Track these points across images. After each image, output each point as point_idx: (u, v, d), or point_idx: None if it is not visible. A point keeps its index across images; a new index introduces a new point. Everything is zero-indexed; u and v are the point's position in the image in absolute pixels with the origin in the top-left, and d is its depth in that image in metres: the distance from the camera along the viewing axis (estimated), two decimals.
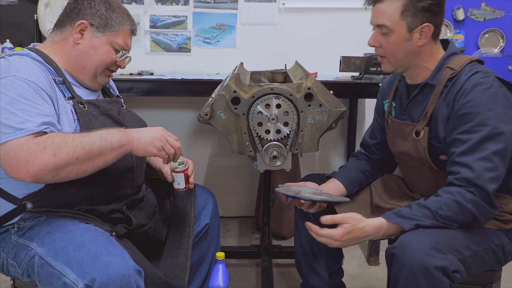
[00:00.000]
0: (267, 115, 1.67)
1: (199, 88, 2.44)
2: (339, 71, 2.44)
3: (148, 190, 1.68)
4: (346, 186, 1.84)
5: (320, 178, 1.91)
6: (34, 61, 1.43)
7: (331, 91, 1.72)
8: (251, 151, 1.73)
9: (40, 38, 2.79)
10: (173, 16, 2.88)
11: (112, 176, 1.46)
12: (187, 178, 1.70)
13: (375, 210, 1.80)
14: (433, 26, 1.56)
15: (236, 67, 2.08)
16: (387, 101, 1.81)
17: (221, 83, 1.96)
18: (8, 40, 2.57)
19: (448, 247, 1.39)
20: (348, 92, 2.04)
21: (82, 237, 1.32)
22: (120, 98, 1.70)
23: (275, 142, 1.71)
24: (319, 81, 1.72)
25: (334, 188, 1.83)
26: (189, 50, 2.92)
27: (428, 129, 1.59)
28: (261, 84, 1.70)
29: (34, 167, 1.24)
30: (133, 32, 1.58)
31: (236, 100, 1.66)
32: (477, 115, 1.46)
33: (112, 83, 1.74)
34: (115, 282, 1.22)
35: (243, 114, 1.66)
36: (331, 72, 2.52)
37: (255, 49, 2.93)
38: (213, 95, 1.72)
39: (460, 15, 2.89)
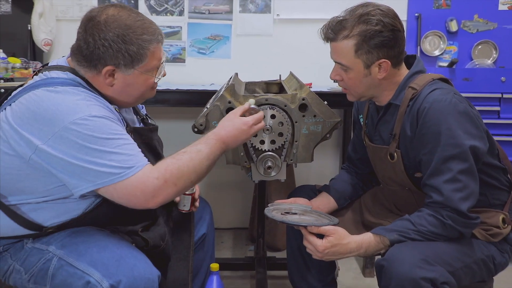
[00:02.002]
0: None
1: (194, 99, 2.47)
2: (334, 82, 2.48)
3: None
4: (336, 200, 1.86)
5: (312, 190, 1.93)
6: (89, 94, 1.40)
7: (325, 102, 1.75)
8: (245, 162, 1.75)
9: (34, 48, 2.81)
10: (168, 26, 2.91)
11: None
12: (193, 201, 1.75)
13: (364, 227, 1.82)
14: (389, 61, 1.54)
15: (230, 78, 2.10)
16: (361, 116, 1.84)
17: (216, 94, 1.98)
18: (1, 50, 2.58)
19: (437, 259, 1.40)
20: (342, 103, 2.07)
21: (105, 240, 1.38)
22: (149, 117, 1.73)
23: (270, 153, 1.74)
24: (314, 91, 1.75)
25: (325, 203, 1.85)
26: (183, 61, 2.95)
27: (400, 151, 1.60)
28: (255, 94, 1.73)
29: (160, 198, 1.32)
30: (160, 42, 1.49)
31: (230, 111, 1.68)
32: (437, 135, 1.46)
33: None
34: (140, 285, 1.28)
35: None
36: (326, 83, 2.54)
37: (249, 60, 2.96)
38: (207, 106, 1.74)
39: (454, 26, 2.95)
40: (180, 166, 1.35)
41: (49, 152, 1.29)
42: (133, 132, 1.50)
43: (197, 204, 1.78)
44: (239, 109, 1.59)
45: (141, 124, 1.67)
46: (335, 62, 1.61)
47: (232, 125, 1.53)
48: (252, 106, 1.63)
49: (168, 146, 1.73)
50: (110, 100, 1.47)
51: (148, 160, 1.36)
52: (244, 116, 1.58)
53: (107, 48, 1.38)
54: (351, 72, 1.57)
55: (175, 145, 2.87)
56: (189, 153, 1.39)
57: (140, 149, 1.37)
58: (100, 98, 1.42)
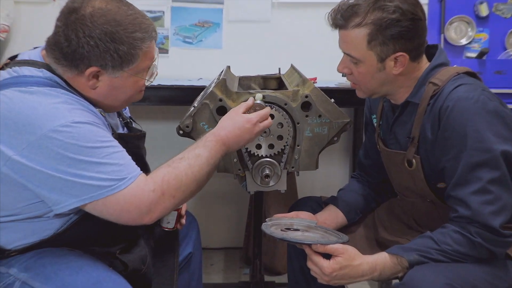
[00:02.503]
0: None
1: (179, 96, 2.48)
2: (342, 76, 2.51)
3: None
4: (346, 214, 1.87)
5: (317, 203, 1.94)
6: (70, 96, 1.40)
7: (332, 100, 1.77)
8: (239, 169, 1.78)
9: None
10: (148, 11, 2.90)
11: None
12: (178, 217, 1.76)
13: (379, 245, 1.84)
14: (407, 54, 1.56)
15: (222, 72, 2.13)
16: (375, 116, 1.86)
17: (205, 90, 2.01)
18: None
19: (464, 283, 1.39)
20: (352, 101, 2.09)
21: (78, 261, 1.39)
22: (133, 120, 1.76)
23: (268, 159, 1.76)
24: (319, 87, 1.77)
25: (332, 218, 1.86)
26: (166, 51, 2.96)
27: (419, 157, 1.61)
28: (251, 91, 1.75)
29: (157, 213, 1.35)
30: (154, 39, 1.50)
31: (222, 110, 1.70)
32: (463, 138, 1.46)
33: None
34: None
35: None
36: (333, 77, 2.56)
37: (244, 51, 2.97)
38: (195, 104, 1.76)
39: (484, 10, 2.92)
40: (178, 175, 1.38)
41: (24, 163, 1.29)
42: (118, 139, 1.50)
43: (183, 221, 1.80)
44: (242, 106, 1.62)
45: (125, 129, 1.68)
46: (343, 53, 1.64)
47: (233, 124, 1.55)
48: (258, 101, 1.66)
49: (149, 152, 1.76)
50: (94, 103, 1.48)
51: None
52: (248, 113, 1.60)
53: (93, 47, 1.38)
54: (362, 65, 1.60)
55: (156, 149, 2.90)
56: (187, 159, 1.42)
57: (130, 157, 1.38)
58: (82, 101, 1.42)
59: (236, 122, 1.56)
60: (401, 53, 1.56)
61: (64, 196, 1.30)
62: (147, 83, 1.54)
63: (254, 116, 1.58)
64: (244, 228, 3.07)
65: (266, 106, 1.66)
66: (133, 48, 1.42)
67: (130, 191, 1.31)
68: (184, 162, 1.41)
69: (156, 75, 1.56)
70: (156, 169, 1.40)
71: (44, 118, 1.30)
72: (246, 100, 1.69)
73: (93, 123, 1.36)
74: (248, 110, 1.62)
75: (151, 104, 2.53)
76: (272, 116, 1.71)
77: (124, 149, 1.39)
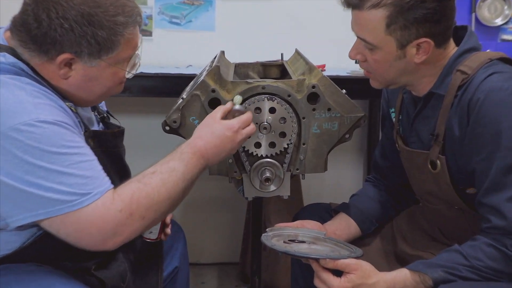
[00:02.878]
0: (257, 123, 1.71)
1: (164, 86, 2.49)
2: (355, 62, 2.50)
3: None
4: (359, 224, 1.88)
5: (326, 211, 1.95)
6: (36, 87, 1.39)
7: (344, 91, 1.77)
8: (235, 172, 1.77)
9: None
10: None
11: None
12: (162, 227, 1.77)
13: (398, 260, 1.84)
14: (432, 40, 1.55)
15: (215, 58, 2.12)
16: (393, 110, 1.86)
17: (195, 79, 2.00)
18: None
19: None
20: (366, 91, 2.07)
21: (48, 278, 1.39)
22: (111, 115, 1.75)
23: (268, 160, 1.76)
24: (328, 76, 1.76)
25: (343, 228, 1.86)
26: (150, 34, 2.96)
27: (445, 157, 1.61)
28: (248, 80, 1.75)
29: (122, 237, 1.35)
30: (138, 24, 1.50)
31: (215, 103, 1.70)
32: (496, 136, 1.46)
33: None
34: None
35: None
36: (344, 64, 2.56)
37: (240, 33, 2.97)
38: (183, 96, 1.76)
39: None
40: (149, 192, 1.37)
41: None
42: (93, 137, 1.50)
43: (168, 231, 1.80)
44: (219, 111, 1.60)
45: (101, 125, 1.68)
46: (357, 36, 1.63)
47: (212, 132, 1.54)
48: (237, 107, 1.64)
49: (129, 153, 1.75)
50: (64, 95, 1.47)
51: (112, 180, 1.37)
52: (227, 119, 1.59)
53: (67, 30, 1.37)
54: (378, 52, 1.59)
55: (138, 148, 2.88)
56: (159, 174, 1.41)
57: (101, 168, 1.37)
58: (50, 93, 1.42)
59: (215, 130, 1.54)
60: (425, 39, 1.55)
61: (17, 209, 1.30)
62: (127, 75, 1.53)
63: (236, 122, 1.57)
64: (240, 240, 3.08)
65: (247, 110, 1.65)
66: (113, 34, 1.41)
67: (94, 209, 1.30)
68: (157, 177, 1.40)
69: (139, 66, 1.56)
70: (124, 184, 1.39)
71: (4, 113, 1.29)
72: (238, 93, 1.68)
73: (61, 123, 1.35)
74: (226, 116, 1.61)
75: (132, 95, 2.53)
76: (273, 110, 1.70)
77: (95, 159, 1.38)
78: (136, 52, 1.52)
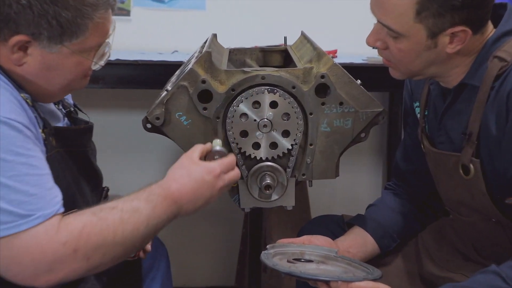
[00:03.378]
0: (255, 120, 1.72)
1: (145, 76, 2.50)
2: (373, 48, 2.50)
3: None
4: (377, 240, 1.88)
5: (337, 224, 1.96)
6: None
7: (359, 81, 1.77)
8: None
9: None
10: None
11: None
12: None
13: (424, 283, 1.84)
14: (470, 28, 1.56)
15: (205, 42, 2.12)
16: (418, 104, 1.87)
17: (182, 68, 2.00)
18: None
19: None
20: (387, 82, 2.09)
21: None
22: (78, 109, 1.75)
23: (269, 163, 1.76)
24: (340, 64, 1.77)
25: (359, 245, 1.87)
26: (127, 13, 2.97)
27: (479, 161, 1.62)
28: (245, 69, 1.75)
29: (58, 276, 1.33)
30: (111, 7, 1.51)
31: (206, 96, 1.71)
32: None
33: None
34: None
35: (217, 118, 1.72)
36: (359, 49, 2.56)
37: (236, 13, 2.98)
38: (168, 87, 1.76)
39: None
40: (103, 230, 1.36)
41: None
42: (55, 135, 1.50)
43: (148, 247, 1.80)
44: (197, 150, 1.60)
45: (66, 120, 1.67)
46: (378, 21, 1.64)
47: (189, 175, 1.53)
48: (217, 148, 1.65)
49: (102, 155, 1.76)
50: (20, 84, 1.46)
51: (80, 187, 1.37)
52: (205, 160, 1.59)
53: (24, 7, 1.37)
54: (404, 41, 1.60)
55: (115, 149, 2.88)
56: (120, 212, 1.40)
57: (53, 185, 1.36)
58: (5, 82, 1.41)
59: (193, 172, 1.54)
60: (461, 27, 1.56)
61: None
62: (94, 67, 1.54)
63: (217, 165, 1.57)
64: (236, 259, 3.08)
65: (229, 153, 1.66)
66: (80, 16, 1.42)
67: (33, 236, 1.29)
68: (116, 215, 1.39)
69: (109, 56, 1.56)
70: (76, 213, 1.38)
71: None
72: (240, 81, 1.68)
73: (13, 122, 1.34)
74: (205, 158, 1.62)
75: (106, 86, 2.54)
76: (275, 104, 1.71)
77: (47, 173, 1.37)
78: (107, 41, 1.52)
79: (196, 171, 1.53)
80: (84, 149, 1.62)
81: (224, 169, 1.58)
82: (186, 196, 1.51)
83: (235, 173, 1.61)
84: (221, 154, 1.64)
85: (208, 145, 1.64)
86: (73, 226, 1.34)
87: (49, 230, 1.31)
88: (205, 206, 1.58)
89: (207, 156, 1.63)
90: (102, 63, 1.54)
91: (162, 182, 1.51)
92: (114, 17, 1.54)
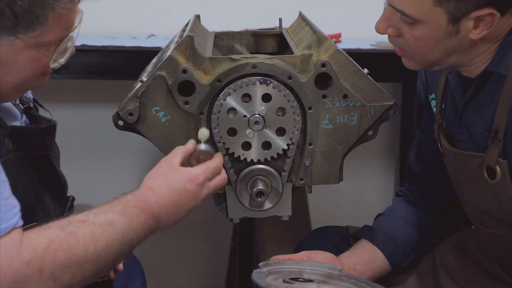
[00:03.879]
0: (245, 116, 1.73)
1: (117, 64, 2.53)
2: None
3: None
4: (388, 255, 1.90)
5: (341, 236, 1.98)
6: None
7: (366, 70, 1.78)
8: None
9: None
10: None
11: None
12: None
13: None
14: (498, 11, 1.57)
15: (187, 25, 2.14)
16: (433, 96, 1.89)
17: (159, 55, 2.02)
18: None
19: None
20: (398, 71, 2.10)
21: None
22: (39, 105, 1.76)
23: (262, 166, 1.77)
24: (344, 50, 1.78)
25: (366, 261, 1.88)
26: None
27: (507, 162, 1.63)
28: (234, 57, 1.76)
29: None
30: None
31: (187, 87, 1.72)
32: None
33: None
34: None
35: (201, 114, 1.73)
36: (367, 33, 2.56)
37: None
38: (143, 78, 1.77)
39: None
40: (72, 246, 1.37)
41: None
42: (11, 135, 1.50)
43: (120, 266, 1.81)
44: (178, 154, 1.62)
45: (24, 117, 1.68)
46: (390, 5, 1.65)
47: (168, 184, 1.55)
48: (202, 147, 1.67)
49: (65, 159, 1.77)
50: None
51: (40, 196, 1.38)
52: (188, 166, 1.61)
53: None
54: (421, 27, 1.61)
55: (81, 150, 2.89)
56: (91, 225, 1.41)
57: (9, 195, 1.37)
58: None
59: (172, 181, 1.56)
60: (487, 10, 1.57)
61: None
62: (53, 65, 1.54)
63: (200, 171, 1.59)
64: (223, 279, 3.09)
65: (215, 152, 1.69)
66: (39, 5, 1.42)
67: None
68: (86, 229, 1.40)
69: (72, 54, 1.57)
70: (41, 228, 1.38)
71: None
72: (227, 70, 1.70)
73: None
74: (189, 159, 1.64)
75: (71, 76, 2.54)
76: (268, 97, 1.72)
77: (5, 179, 1.38)
78: (70, 35, 1.52)
79: (176, 180, 1.56)
80: (45, 153, 1.63)
81: (208, 175, 1.60)
82: (165, 208, 1.53)
83: (221, 178, 1.64)
84: (206, 155, 1.65)
85: (191, 145, 1.66)
86: (37, 242, 1.34)
87: (8, 247, 1.31)
88: (185, 217, 1.61)
89: (191, 157, 1.65)
90: (62, 60, 1.54)
91: (138, 192, 1.53)
92: (81, 5, 1.54)
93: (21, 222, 1.36)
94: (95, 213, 1.44)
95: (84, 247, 1.38)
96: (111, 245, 1.42)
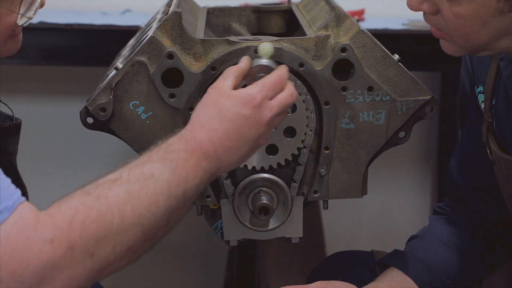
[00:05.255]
0: None
1: (85, 47, 2.54)
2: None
3: None
4: (423, 286, 1.90)
5: (365, 263, 1.99)
6: None
7: (396, 56, 1.81)
8: (208, 197, 1.81)
9: None
10: None
11: None
12: None
13: None
14: None
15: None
16: (481, 89, 1.90)
17: (137, 36, 2.03)
18: None
19: None
20: (438, 58, 2.12)
21: None
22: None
23: (266, 175, 1.79)
24: (368, 31, 1.80)
25: None
26: None
27: None
28: (231, 39, 1.78)
29: (60, 283, 1.33)
30: None
31: (174, 77, 1.73)
32: None
33: None
34: None
35: (190, 110, 1.74)
36: (397, 9, 2.58)
37: None
38: (118, 64, 1.78)
39: None
40: (104, 212, 1.37)
41: None
42: None
43: None
44: (230, 75, 1.60)
45: None
46: None
47: (220, 115, 1.54)
48: (263, 61, 1.65)
49: (22, 164, 1.78)
50: None
51: None
52: (245, 87, 1.59)
53: None
54: (464, 2, 1.61)
55: (41, 155, 2.91)
56: (125, 183, 1.41)
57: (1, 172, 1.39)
58: None
59: (224, 109, 1.54)
60: None
61: None
62: (21, 21, 1.55)
63: (255, 89, 1.57)
64: None
65: (280, 66, 1.64)
66: None
67: (2, 239, 1.30)
68: (120, 188, 1.41)
69: (43, 4, 1.58)
70: (62, 199, 1.39)
71: None
72: (223, 55, 1.72)
73: None
74: (244, 80, 1.62)
75: (27, 62, 2.56)
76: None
77: None
78: None
79: (228, 106, 1.54)
80: (7, 158, 1.65)
81: (267, 92, 1.57)
82: (220, 143, 1.52)
83: (287, 94, 1.59)
84: (267, 69, 1.63)
85: (245, 63, 1.63)
86: (58, 215, 1.35)
87: (22, 226, 1.31)
88: (253, 151, 1.60)
89: (247, 77, 1.62)
90: (32, 13, 1.55)
91: (183, 131, 1.53)
92: None
93: (23, 198, 1.36)
94: (130, 167, 1.45)
95: (119, 210, 1.38)
96: (156, 202, 1.42)
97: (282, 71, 1.60)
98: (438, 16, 1.67)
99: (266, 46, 1.66)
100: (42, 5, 1.58)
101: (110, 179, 1.42)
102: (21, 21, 1.56)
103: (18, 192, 1.36)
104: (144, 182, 1.43)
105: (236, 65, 1.62)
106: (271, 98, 1.57)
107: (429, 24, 1.73)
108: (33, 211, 1.34)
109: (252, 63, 1.63)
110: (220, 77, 1.60)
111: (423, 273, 1.92)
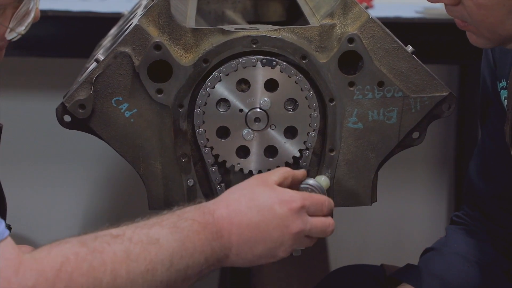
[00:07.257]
0: (242, 110, 1.75)
1: (61, 36, 2.55)
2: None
3: None
4: None
5: (374, 280, 1.99)
6: None
7: (410, 47, 1.81)
8: (199, 203, 1.80)
9: None
10: None
11: None
12: None
13: None
14: None
15: None
16: (504, 85, 1.90)
17: (120, 24, 2.03)
18: None
19: None
20: (455, 49, 2.13)
21: None
22: None
23: None
24: (378, 19, 1.81)
25: None
26: None
27: None
28: (226, 28, 1.78)
29: None
30: None
31: (161, 70, 1.74)
32: None
33: None
34: None
35: (180, 107, 1.75)
36: None
37: None
38: (99, 56, 1.79)
39: None
40: (94, 268, 1.37)
41: None
42: None
43: None
44: (279, 172, 1.63)
45: None
46: None
47: (251, 199, 1.55)
48: (311, 182, 1.68)
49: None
50: None
51: None
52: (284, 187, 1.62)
53: None
54: None
55: (14, 167, 2.92)
56: (126, 241, 1.43)
57: None
58: None
59: (257, 195, 1.57)
60: None
61: None
62: (9, 36, 1.59)
63: (299, 195, 1.59)
64: None
65: (320, 190, 1.69)
66: None
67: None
68: (119, 246, 1.41)
69: (36, 20, 1.63)
70: (55, 243, 1.39)
71: None
72: (216, 46, 1.72)
73: None
74: (290, 185, 1.64)
75: (7, 55, 2.55)
76: (273, 83, 1.74)
77: None
78: (31, 3, 1.57)
79: (263, 195, 1.56)
80: None
81: (309, 205, 1.59)
82: (238, 230, 1.53)
83: (327, 222, 1.62)
84: (314, 189, 1.68)
85: (300, 172, 1.68)
86: (46, 261, 1.35)
87: (2, 267, 1.31)
88: (266, 260, 1.59)
89: (294, 185, 1.65)
90: (22, 29, 1.58)
91: (205, 203, 1.55)
92: None
93: (7, 233, 1.35)
94: (136, 226, 1.46)
95: (112, 270, 1.38)
96: (153, 271, 1.43)
97: (329, 201, 1.64)
98: (460, 7, 1.68)
99: (327, 180, 1.73)
100: (35, 19, 1.61)
101: (111, 233, 1.43)
102: (9, 36, 1.59)
103: (2, 224, 1.36)
104: (146, 245, 1.44)
105: (289, 169, 1.66)
106: (310, 214, 1.59)
107: (451, 16, 1.73)
108: (15, 251, 1.34)
109: (306, 179, 1.68)
110: (271, 171, 1.64)
111: None
